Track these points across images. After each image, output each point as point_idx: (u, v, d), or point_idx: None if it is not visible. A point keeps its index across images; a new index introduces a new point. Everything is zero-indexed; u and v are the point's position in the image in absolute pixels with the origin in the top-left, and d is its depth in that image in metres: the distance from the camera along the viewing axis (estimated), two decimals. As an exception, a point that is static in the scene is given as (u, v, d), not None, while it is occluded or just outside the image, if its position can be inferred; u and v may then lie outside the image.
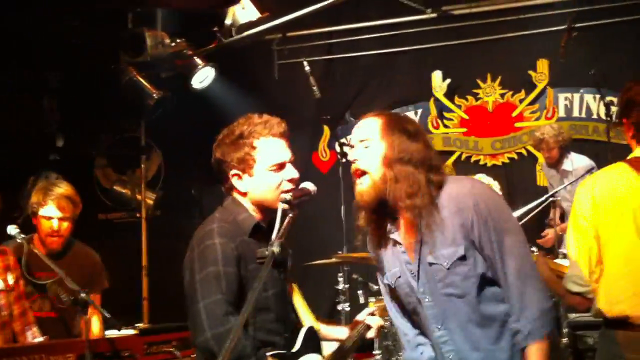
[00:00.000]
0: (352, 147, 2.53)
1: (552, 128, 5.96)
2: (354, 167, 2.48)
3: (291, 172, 2.71)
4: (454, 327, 2.43)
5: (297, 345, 2.72)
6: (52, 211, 3.93)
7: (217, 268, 2.53)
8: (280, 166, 2.69)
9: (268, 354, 2.56)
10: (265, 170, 2.68)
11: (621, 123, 3.04)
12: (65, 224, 3.99)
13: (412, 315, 2.56)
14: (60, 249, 4.03)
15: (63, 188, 3.99)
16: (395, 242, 2.49)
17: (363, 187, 2.45)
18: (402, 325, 2.63)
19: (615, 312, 2.79)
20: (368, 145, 2.45)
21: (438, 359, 2.52)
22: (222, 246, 2.57)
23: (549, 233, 5.77)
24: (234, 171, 2.69)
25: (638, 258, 2.80)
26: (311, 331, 2.80)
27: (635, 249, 2.82)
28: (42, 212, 3.94)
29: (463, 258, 2.36)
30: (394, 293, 2.58)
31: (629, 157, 2.97)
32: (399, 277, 2.51)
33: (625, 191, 2.87)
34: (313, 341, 2.80)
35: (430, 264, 2.41)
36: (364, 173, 2.45)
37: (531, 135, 6.17)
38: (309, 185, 2.63)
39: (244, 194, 2.71)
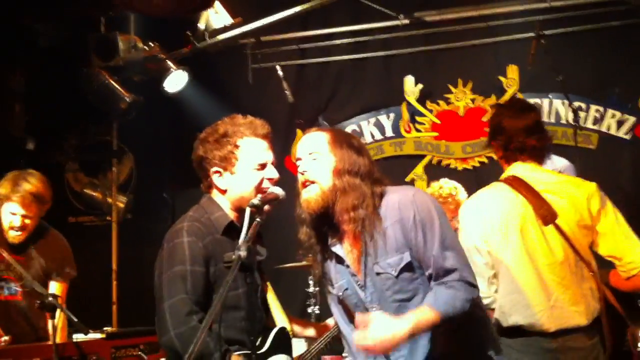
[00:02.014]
0: (299, 159, 2.58)
1: None
2: (302, 178, 2.54)
3: (271, 172, 2.76)
4: None
5: (267, 346, 2.74)
6: (16, 208, 3.88)
7: (184, 267, 2.57)
8: (262, 166, 2.74)
9: (235, 353, 2.58)
10: (246, 169, 2.72)
11: (491, 145, 3.21)
12: (29, 221, 3.94)
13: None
14: (21, 242, 3.97)
15: (32, 184, 3.90)
16: (338, 257, 2.54)
17: (311, 195, 2.50)
18: (348, 333, 2.66)
19: (510, 323, 2.98)
20: (316, 157, 2.53)
21: None
22: (190, 244, 2.60)
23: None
24: (215, 168, 2.74)
25: (525, 272, 2.99)
26: (282, 332, 2.82)
27: (522, 263, 3.00)
28: (5, 206, 3.89)
29: (409, 264, 2.44)
30: (342, 303, 2.62)
31: (503, 177, 3.16)
32: (346, 289, 2.56)
33: (510, 209, 3.06)
34: (283, 342, 2.82)
35: (378, 273, 2.46)
36: (312, 183, 2.50)
37: None
38: (277, 190, 2.67)
39: (224, 192, 2.75)
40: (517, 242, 3.03)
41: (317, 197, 2.49)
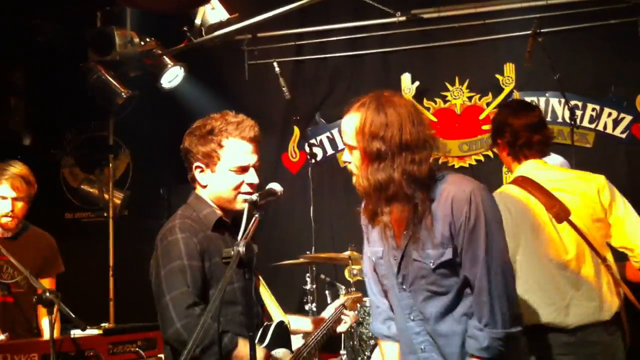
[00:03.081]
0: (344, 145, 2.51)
1: None
2: (348, 167, 2.49)
3: (252, 177, 2.75)
4: (429, 321, 2.45)
5: (267, 340, 2.74)
6: (6, 191, 3.89)
7: (182, 262, 2.58)
8: (243, 169, 2.72)
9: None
10: (227, 170, 2.72)
11: (496, 144, 3.22)
12: (20, 204, 3.94)
13: (385, 294, 2.60)
14: (15, 229, 3.98)
15: (17, 168, 3.95)
16: (385, 225, 2.45)
17: (355, 183, 2.46)
18: (376, 298, 2.66)
19: (531, 322, 3.00)
20: (349, 146, 2.44)
21: (405, 343, 2.54)
22: (184, 240, 2.61)
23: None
24: (197, 163, 2.74)
25: (539, 272, 3.04)
26: (281, 326, 2.83)
27: (536, 264, 3.04)
28: None
29: (450, 261, 2.37)
30: (375, 270, 2.61)
31: (511, 178, 3.18)
32: (381, 257, 2.53)
33: (521, 210, 3.08)
34: (283, 336, 2.83)
35: (415, 260, 2.42)
36: (355, 175, 2.46)
37: None
38: (275, 187, 2.66)
39: (204, 187, 2.75)
40: (529, 243, 3.05)
41: (359, 186, 2.44)
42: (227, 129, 2.72)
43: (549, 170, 3.22)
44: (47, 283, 4.04)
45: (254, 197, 2.54)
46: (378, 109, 2.40)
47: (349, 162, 2.48)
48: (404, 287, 2.47)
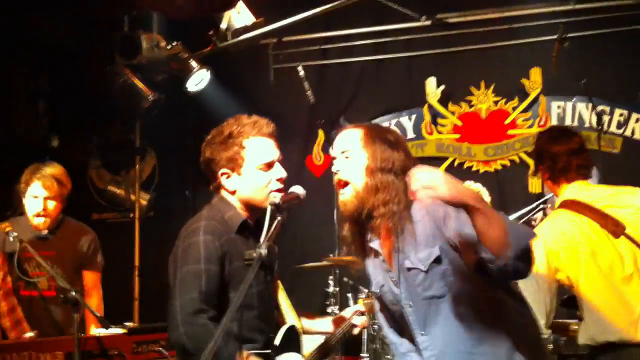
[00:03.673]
0: (334, 158, 2.56)
1: None
2: (336, 178, 2.51)
3: (279, 171, 2.76)
4: (435, 332, 2.46)
5: (277, 343, 2.75)
6: (38, 190, 3.93)
7: (198, 266, 2.57)
8: (269, 165, 2.74)
9: (249, 352, 2.59)
10: (254, 169, 2.73)
11: (538, 171, 3.25)
12: (53, 204, 3.97)
13: (399, 322, 2.59)
14: (49, 229, 4.02)
15: (51, 168, 3.99)
16: (376, 252, 2.53)
17: (346, 197, 2.48)
18: (391, 334, 2.66)
19: (599, 341, 3.01)
20: (349, 155, 2.50)
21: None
22: (205, 244, 2.61)
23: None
24: (223, 170, 2.74)
25: (603, 291, 3.03)
26: (292, 330, 2.83)
27: (597, 283, 3.04)
28: (29, 191, 3.94)
29: (438, 259, 2.39)
30: (381, 301, 2.62)
31: (560, 203, 3.17)
32: (383, 285, 2.55)
33: (575, 232, 3.09)
34: (293, 340, 2.83)
35: (409, 268, 2.44)
36: (346, 184, 2.48)
37: (533, 136, 6.21)
38: (298, 190, 2.67)
39: (233, 192, 2.76)
40: (588, 264, 3.06)
41: (352, 198, 2.47)
42: (244, 129, 2.74)
43: (594, 189, 3.24)
44: (90, 277, 4.08)
45: (277, 199, 2.56)
46: (380, 128, 2.62)
47: (341, 171, 2.50)
48: (408, 303, 2.49)
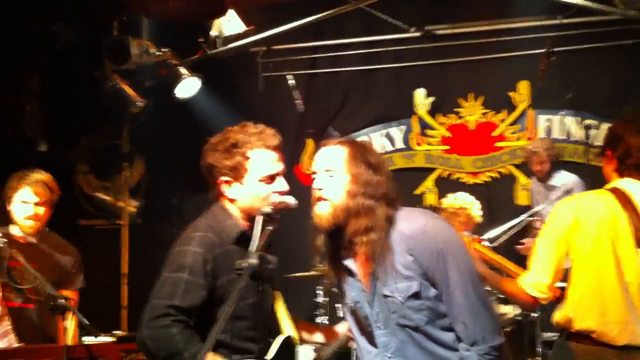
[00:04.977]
0: (314, 173, 2.54)
1: (544, 142, 6.05)
2: (317, 194, 2.49)
3: (281, 184, 2.74)
4: (405, 356, 2.46)
5: (271, 354, 2.74)
6: (27, 195, 3.90)
7: (181, 275, 2.55)
8: (272, 178, 2.73)
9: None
10: (256, 181, 2.71)
11: (604, 154, 3.19)
12: (42, 209, 3.95)
13: (368, 339, 2.58)
14: (35, 236, 3.99)
15: (39, 174, 3.98)
16: (350, 271, 2.51)
17: (322, 212, 2.46)
18: (364, 344, 2.63)
19: (581, 326, 2.98)
20: (333, 175, 2.47)
21: None
22: (195, 255, 2.59)
23: (529, 242, 5.81)
24: (224, 178, 2.72)
25: (609, 282, 2.99)
26: (287, 341, 2.82)
27: (608, 273, 3.00)
28: (16, 196, 3.92)
29: (417, 294, 2.40)
30: (355, 315, 2.61)
31: (610, 187, 3.11)
32: (357, 302, 2.55)
33: (607, 219, 3.04)
34: (288, 350, 2.82)
35: (385, 296, 2.43)
36: (325, 200, 2.46)
37: (522, 149, 6.28)
38: (289, 200, 2.67)
39: (232, 201, 2.74)
40: (608, 252, 3.01)
41: (328, 215, 2.45)
42: (250, 140, 2.71)
43: None
44: (70, 296, 4.03)
45: (268, 209, 2.54)
46: (365, 148, 2.57)
47: (322, 189, 2.48)
48: (379, 325, 2.49)
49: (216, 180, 2.74)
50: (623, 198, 3.06)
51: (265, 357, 2.70)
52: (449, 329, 2.43)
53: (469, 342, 2.40)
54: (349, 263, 2.52)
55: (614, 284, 2.99)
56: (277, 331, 2.84)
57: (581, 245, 3.02)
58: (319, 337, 3.10)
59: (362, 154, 2.50)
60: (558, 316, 3.07)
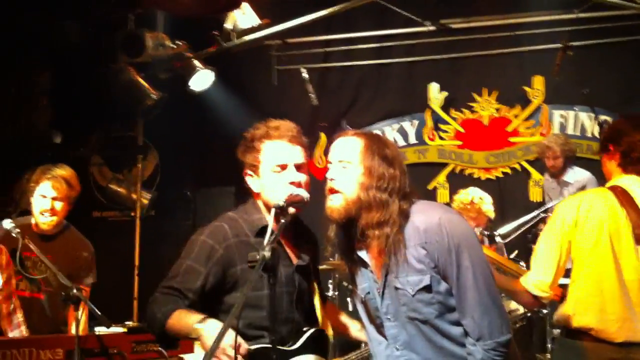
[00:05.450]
0: (329, 163, 2.55)
1: (558, 137, 6.00)
2: (329, 185, 2.49)
3: (293, 174, 2.75)
4: (413, 349, 2.46)
5: (297, 345, 2.75)
6: (47, 190, 3.94)
7: (183, 261, 2.68)
8: (282, 167, 2.75)
9: (254, 346, 2.60)
10: (269, 172, 2.74)
11: (607, 149, 3.20)
12: (60, 205, 3.98)
13: (378, 330, 2.59)
14: (54, 230, 4.02)
15: (62, 170, 4.02)
16: (363, 262, 2.52)
17: (334, 204, 2.46)
18: (374, 334, 2.64)
19: (581, 323, 3.01)
20: (346, 166, 2.47)
21: None
22: (202, 244, 2.69)
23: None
24: (247, 172, 2.80)
25: (611, 280, 3.02)
26: (318, 334, 2.84)
27: (607, 271, 3.04)
28: (37, 190, 3.95)
29: (428, 287, 2.39)
30: (366, 306, 2.62)
31: (611, 185, 3.16)
32: (368, 292, 2.56)
33: (607, 218, 3.07)
34: (318, 344, 2.83)
35: (396, 288, 2.44)
36: (337, 192, 2.46)
37: (536, 144, 6.25)
38: (302, 193, 2.68)
39: (257, 195, 2.80)
40: (607, 250, 3.05)
41: (340, 207, 2.45)
42: (265, 133, 2.78)
43: None
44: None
45: (281, 202, 2.57)
46: (381, 140, 2.56)
47: (335, 179, 2.48)
48: (389, 317, 2.49)
49: (244, 174, 2.82)
50: (623, 196, 3.09)
51: (286, 347, 2.72)
52: (459, 323, 2.43)
53: (476, 336, 2.40)
54: (362, 254, 2.52)
55: (613, 282, 3.02)
56: (309, 324, 2.86)
57: (582, 244, 3.05)
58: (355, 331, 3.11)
59: (377, 146, 2.48)
60: (559, 313, 3.10)
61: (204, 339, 2.46)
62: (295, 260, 2.79)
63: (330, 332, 2.89)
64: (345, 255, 2.58)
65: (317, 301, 2.91)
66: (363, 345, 3.24)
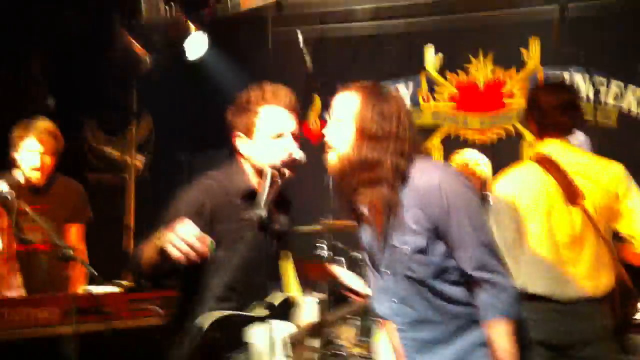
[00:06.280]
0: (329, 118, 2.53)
1: None
2: (325, 140, 2.49)
3: (289, 143, 2.76)
4: (410, 305, 2.47)
5: (263, 310, 2.75)
6: (34, 144, 3.95)
7: (175, 215, 2.59)
8: (279, 135, 2.75)
9: (219, 312, 2.60)
10: (265, 138, 2.74)
11: (526, 118, 3.40)
12: (48, 158, 4.01)
13: (379, 282, 2.59)
14: (44, 183, 4.04)
15: (44, 121, 4.02)
16: (364, 217, 2.52)
17: (330, 161, 2.47)
18: (374, 286, 2.65)
19: (531, 291, 3.22)
20: (340, 122, 2.45)
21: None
22: (188, 197, 2.70)
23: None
24: (238, 134, 2.78)
25: (547, 248, 3.25)
26: (284, 300, 2.83)
27: (544, 240, 3.26)
28: (22, 145, 3.95)
29: (424, 249, 2.39)
30: (370, 257, 2.63)
31: (533, 155, 3.38)
32: (372, 246, 2.57)
33: (539, 189, 3.26)
34: (284, 310, 2.82)
35: (394, 246, 2.44)
36: (332, 149, 2.46)
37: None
38: (297, 154, 2.69)
39: (245, 158, 2.79)
40: (542, 220, 3.23)
41: (334, 164, 2.45)
42: (262, 97, 2.77)
43: (571, 153, 3.33)
44: (75, 230, 4.12)
45: (277, 163, 2.58)
46: (381, 95, 2.46)
47: (327, 135, 2.47)
48: (387, 272, 2.49)
49: (232, 135, 2.79)
50: (547, 163, 3.25)
51: (252, 313, 2.72)
52: (457, 283, 2.41)
53: (483, 289, 2.37)
54: (364, 209, 2.51)
55: (550, 250, 3.23)
56: (277, 290, 2.87)
57: (522, 219, 3.24)
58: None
59: (376, 101, 2.42)
60: (519, 281, 3.17)
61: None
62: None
63: (298, 298, 2.90)
64: (348, 208, 2.56)
65: (288, 266, 2.92)
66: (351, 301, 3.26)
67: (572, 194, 3.20)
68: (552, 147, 3.31)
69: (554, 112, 3.29)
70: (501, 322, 2.35)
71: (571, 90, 3.49)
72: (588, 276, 3.20)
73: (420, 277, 2.42)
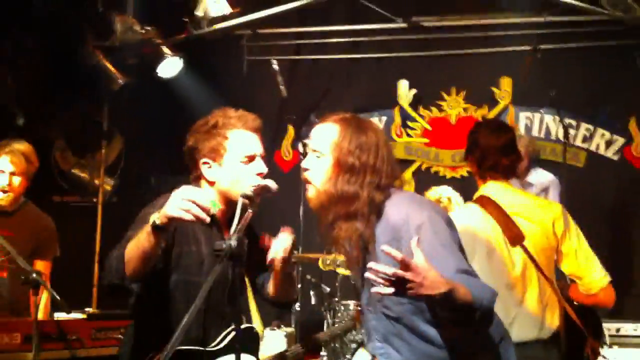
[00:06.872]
0: (307, 153, 2.51)
1: (522, 138, 6.04)
2: (303, 175, 2.46)
3: (260, 166, 2.74)
4: (391, 344, 2.44)
5: (224, 343, 2.68)
6: (4, 165, 3.87)
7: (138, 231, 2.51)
8: (250, 159, 2.72)
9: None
10: (235, 162, 2.71)
11: (467, 160, 3.38)
12: (17, 180, 3.91)
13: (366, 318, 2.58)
14: (12, 206, 3.95)
15: (19, 144, 3.95)
16: (346, 252, 2.47)
17: (309, 195, 2.46)
18: (364, 320, 2.63)
19: None
20: (319, 156, 2.43)
21: None
22: (145, 214, 2.59)
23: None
24: (204, 159, 2.72)
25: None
26: (248, 331, 2.79)
27: (491, 281, 3.13)
28: None
29: None
30: (357, 291, 2.60)
31: (475, 197, 3.34)
32: (356, 280, 2.54)
33: (479, 230, 3.22)
34: (247, 342, 2.76)
35: (371, 282, 2.41)
36: (310, 183, 2.45)
37: None
38: (270, 183, 2.66)
39: (212, 184, 2.74)
40: (483, 263, 3.15)
41: (313, 198, 2.44)
42: (230, 121, 2.73)
43: (512, 194, 3.32)
44: (42, 265, 4.01)
45: (248, 191, 2.53)
46: (359, 127, 2.44)
47: (308, 170, 2.44)
48: (370, 309, 2.47)
49: (197, 163, 2.73)
50: (488, 204, 3.22)
51: (213, 348, 2.66)
52: (434, 324, 2.35)
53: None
54: (344, 243, 2.44)
55: (497, 290, 3.14)
56: (240, 320, 2.82)
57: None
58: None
59: (354, 134, 2.40)
60: None
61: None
62: None
63: (260, 328, 2.86)
64: (331, 243, 2.50)
65: (250, 296, 2.88)
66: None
67: (512, 235, 3.18)
68: (493, 188, 3.27)
69: (495, 153, 3.26)
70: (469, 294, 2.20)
71: (511, 131, 3.44)
72: (532, 318, 3.17)
73: (396, 315, 2.38)
